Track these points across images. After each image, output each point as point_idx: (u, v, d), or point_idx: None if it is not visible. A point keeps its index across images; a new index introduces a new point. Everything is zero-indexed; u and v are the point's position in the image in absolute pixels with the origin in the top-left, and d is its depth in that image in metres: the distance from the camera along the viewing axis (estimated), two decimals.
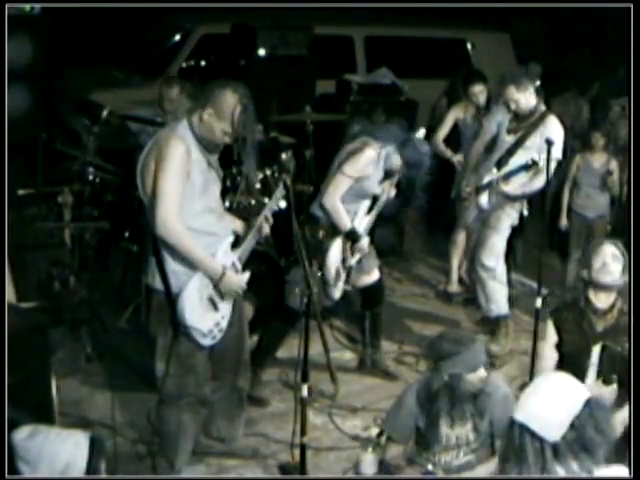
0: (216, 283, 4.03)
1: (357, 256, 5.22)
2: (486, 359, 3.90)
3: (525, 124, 5.68)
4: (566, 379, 2.48)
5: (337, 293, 5.22)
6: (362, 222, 5.23)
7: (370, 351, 5.58)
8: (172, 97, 6.22)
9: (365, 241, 5.24)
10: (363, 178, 5.06)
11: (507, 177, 5.69)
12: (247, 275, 4.21)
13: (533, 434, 2.40)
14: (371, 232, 5.41)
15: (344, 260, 5.14)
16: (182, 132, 3.94)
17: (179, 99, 6.21)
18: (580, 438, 2.39)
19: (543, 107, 5.72)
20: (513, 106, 5.64)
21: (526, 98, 5.61)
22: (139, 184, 4.02)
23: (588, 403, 2.40)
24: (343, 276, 5.19)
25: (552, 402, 2.41)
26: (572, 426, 2.38)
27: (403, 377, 5.49)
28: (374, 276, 5.43)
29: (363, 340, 5.63)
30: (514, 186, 5.70)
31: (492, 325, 6.06)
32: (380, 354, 5.62)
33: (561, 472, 2.41)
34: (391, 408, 4.14)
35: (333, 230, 5.11)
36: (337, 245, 5.10)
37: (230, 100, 3.90)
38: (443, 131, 6.92)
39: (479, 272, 5.90)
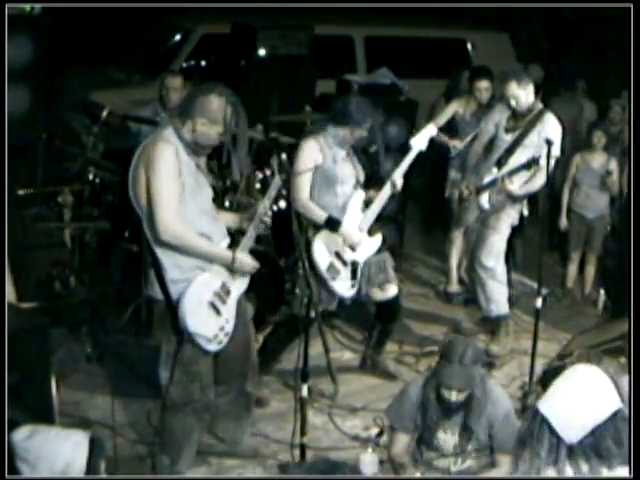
0: (230, 268, 4.05)
1: (357, 251, 5.07)
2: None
3: (523, 122, 5.68)
4: (603, 384, 2.40)
5: (346, 290, 5.07)
6: (353, 218, 5.05)
7: (371, 352, 5.58)
8: (177, 86, 6.13)
9: (362, 237, 5.08)
10: (318, 166, 4.93)
11: (509, 176, 5.69)
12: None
13: (552, 429, 2.38)
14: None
15: (338, 254, 5.02)
16: (168, 136, 3.95)
17: (183, 90, 6.14)
18: (597, 445, 2.35)
19: (540, 105, 5.72)
20: (513, 102, 5.64)
21: (526, 94, 5.62)
22: (132, 197, 4.02)
23: (613, 413, 2.35)
24: (346, 272, 5.05)
25: (580, 404, 2.36)
26: (592, 432, 2.34)
27: (403, 377, 5.49)
28: (389, 293, 5.29)
29: (367, 343, 5.61)
30: (517, 185, 5.70)
31: (492, 325, 6.06)
32: (381, 355, 5.61)
33: (569, 472, 2.38)
34: (395, 399, 4.15)
35: (316, 228, 5.00)
36: (321, 238, 4.97)
37: (218, 104, 3.94)
38: (440, 120, 6.88)
39: (478, 272, 5.90)
